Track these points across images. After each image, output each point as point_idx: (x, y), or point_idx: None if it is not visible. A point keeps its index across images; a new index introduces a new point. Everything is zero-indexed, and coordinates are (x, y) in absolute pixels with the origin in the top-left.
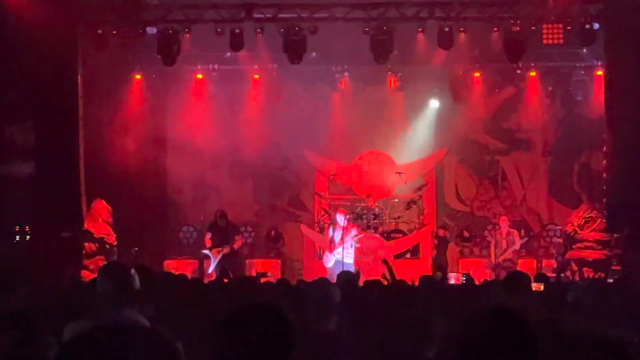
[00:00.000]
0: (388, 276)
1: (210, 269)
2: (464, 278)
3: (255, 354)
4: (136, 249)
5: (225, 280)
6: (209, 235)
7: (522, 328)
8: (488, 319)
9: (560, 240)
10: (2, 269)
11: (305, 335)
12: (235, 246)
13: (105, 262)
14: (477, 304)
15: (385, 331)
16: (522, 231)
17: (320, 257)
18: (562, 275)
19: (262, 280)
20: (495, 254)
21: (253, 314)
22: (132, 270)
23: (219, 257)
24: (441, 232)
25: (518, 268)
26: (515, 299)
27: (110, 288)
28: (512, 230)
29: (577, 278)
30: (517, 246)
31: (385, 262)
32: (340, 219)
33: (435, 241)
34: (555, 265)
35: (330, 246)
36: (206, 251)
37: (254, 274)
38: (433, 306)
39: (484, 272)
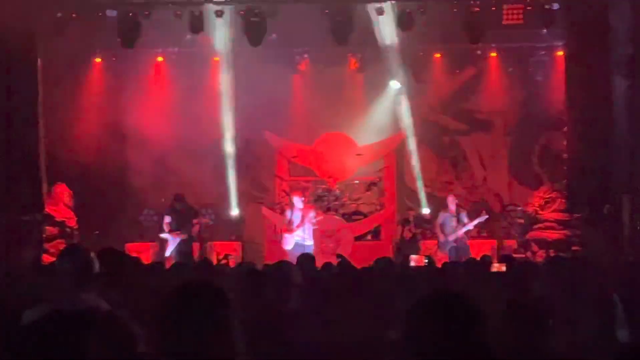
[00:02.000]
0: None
1: (168, 252)
2: (426, 260)
3: (192, 330)
4: (97, 232)
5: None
6: (167, 219)
7: (466, 312)
8: (432, 304)
9: (522, 220)
10: None
11: (267, 315)
12: (193, 232)
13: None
14: (436, 286)
15: (347, 312)
16: (483, 211)
17: (279, 239)
18: (523, 255)
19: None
20: (445, 233)
21: (187, 293)
22: (92, 254)
23: (177, 240)
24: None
25: (473, 248)
26: (474, 282)
27: (69, 271)
28: (461, 209)
29: (537, 259)
30: (470, 226)
31: (340, 256)
32: (297, 201)
33: (404, 225)
34: (516, 246)
35: (289, 228)
36: (164, 235)
37: (214, 257)
38: (392, 288)
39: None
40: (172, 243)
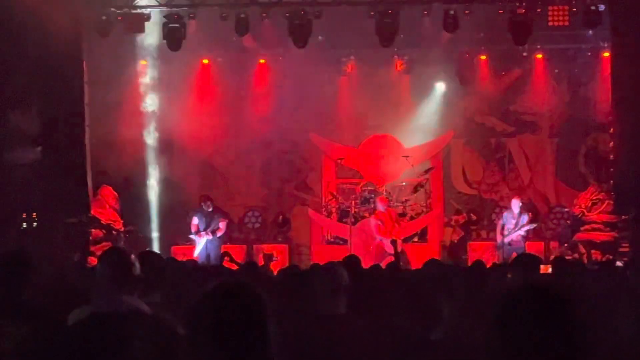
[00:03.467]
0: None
1: (196, 253)
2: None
3: (224, 332)
4: (131, 227)
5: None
6: (194, 220)
7: (564, 305)
8: (526, 296)
9: (569, 222)
10: (12, 257)
11: (314, 318)
12: (218, 232)
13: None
14: (486, 286)
15: (393, 314)
16: (530, 214)
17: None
18: (570, 257)
19: (271, 264)
20: (504, 234)
21: (221, 294)
22: (132, 256)
23: (204, 241)
24: (460, 218)
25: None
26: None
27: (109, 274)
28: (524, 212)
29: (584, 260)
30: (521, 231)
31: (393, 242)
32: (381, 207)
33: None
34: (562, 248)
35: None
36: (192, 236)
37: (260, 259)
38: (439, 289)
39: (492, 255)
40: (199, 244)
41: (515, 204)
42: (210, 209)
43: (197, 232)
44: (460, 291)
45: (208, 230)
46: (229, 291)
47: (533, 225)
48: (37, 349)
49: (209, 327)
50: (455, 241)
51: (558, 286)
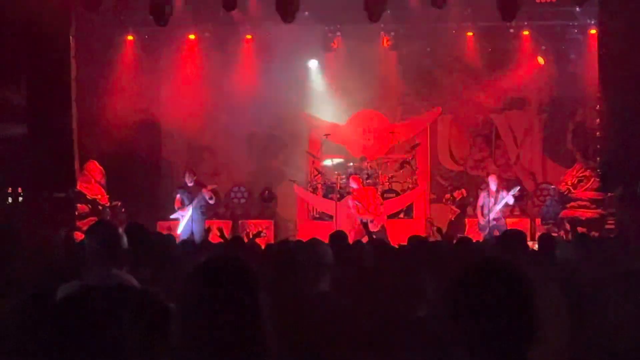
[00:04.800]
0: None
1: (179, 230)
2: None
3: (215, 309)
4: (117, 202)
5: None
6: (178, 196)
7: (518, 281)
8: (479, 271)
9: (555, 198)
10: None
11: (297, 295)
12: (210, 200)
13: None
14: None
15: (378, 291)
16: (519, 189)
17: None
18: (555, 234)
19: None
20: (484, 214)
21: (213, 268)
22: (120, 229)
23: (188, 217)
24: (457, 195)
25: (510, 227)
26: (510, 257)
27: (97, 247)
28: (502, 188)
29: (570, 237)
30: (509, 200)
31: (364, 224)
32: (354, 185)
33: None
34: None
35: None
36: (175, 215)
37: (245, 235)
38: (423, 266)
39: (477, 234)
40: (182, 220)
41: (492, 181)
42: (191, 183)
43: (181, 207)
44: (444, 268)
45: (192, 204)
46: (221, 265)
47: (517, 189)
48: (25, 323)
49: (202, 300)
50: (452, 219)
51: (508, 262)
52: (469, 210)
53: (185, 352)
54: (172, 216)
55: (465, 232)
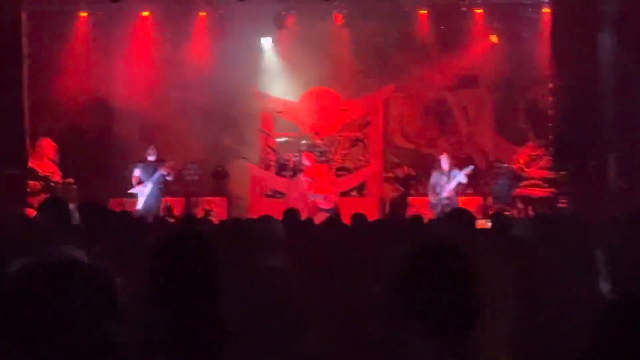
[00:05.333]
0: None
1: (138, 206)
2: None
3: (179, 281)
4: (71, 180)
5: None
6: (135, 172)
7: (460, 262)
8: (425, 250)
9: (507, 177)
10: None
11: (252, 271)
12: (168, 177)
13: None
14: (420, 240)
15: (330, 268)
16: (470, 167)
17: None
18: (508, 213)
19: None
20: (436, 193)
21: (177, 243)
22: (71, 206)
23: (145, 193)
24: (400, 173)
25: (463, 205)
26: (458, 236)
27: (48, 224)
28: (453, 167)
29: (522, 216)
30: (461, 178)
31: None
32: (307, 162)
33: (396, 182)
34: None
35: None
36: (133, 190)
37: (200, 211)
38: (373, 243)
39: (429, 212)
40: (140, 196)
41: (444, 160)
42: (153, 158)
43: (139, 183)
44: (393, 246)
45: (150, 180)
46: (181, 240)
47: (470, 168)
48: None
49: (163, 277)
50: (396, 197)
51: (453, 242)
52: (418, 188)
53: (147, 330)
54: (130, 191)
55: (409, 210)
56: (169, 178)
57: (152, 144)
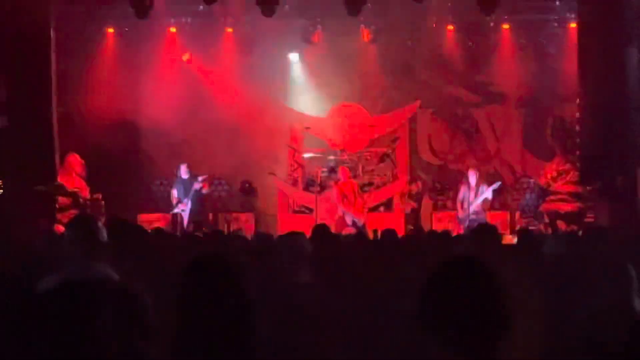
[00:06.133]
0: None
1: (186, 224)
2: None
3: (208, 304)
4: (99, 196)
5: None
6: (174, 193)
7: (487, 277)
8: (450, 267)
9: (534, 192)
10: None
11: (279, 287)
12: (203, 190)
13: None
14: (442, 256)
15: (358, 283)
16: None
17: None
18: (534, 228)
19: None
20: (464, 207)
21: (203, 266)
22: (100, 223)
23: (188, 211)
24: (414, 189)
25: (489, 221)
26: (483, 252)
27: (77, 241)
28: (481, 182)
29: (549, 230)
30: (488, 194)
31: (354, 224)
32: (342, 177)
33: (409, 198)
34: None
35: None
36: (175, 210)
37: (225, 227)
38: (401, 258)
39: (457, 227)
40: (185, 215)
41: (472, 176)
42: (186, 176)
43: (177, 204)
44: (422, 262)
45: (188, 197)
46: (209, 263)
47: (498, 184)
48: (5, 317)
49: (192, 299)
50: (408, 212)
51: (479, 258)
52: (446, 203)
53: (177, 349)
54: (173, 211)
55: (436, 225)
56: (204, 192)
57: (184, 163)
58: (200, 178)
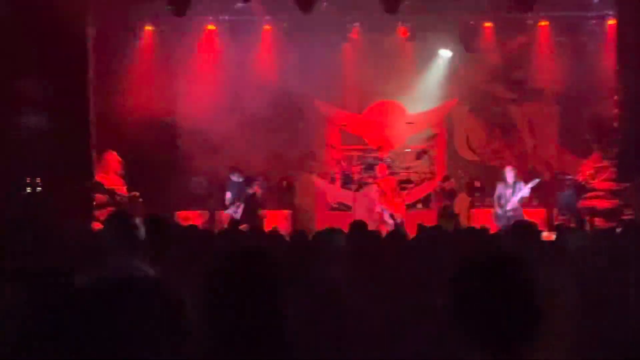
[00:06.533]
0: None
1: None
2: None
3: (240, 298)
4: (136, 194)
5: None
6: (227, 195)
7: (522, 273)
8: (482, 263)
9: (572, 189)
10: (17, 222)
11: (314, 282)
12: (252, 200)
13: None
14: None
15: (395, 279)
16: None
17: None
18: (573, 225)
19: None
20: (501, 205)
21: (236, 260)
22: (137, 219)
23: (240, 212)
24: (447, 186)
25: (528, 217)
26: (522, 248)
27: (114, 238)
28: (518, 180)
29: (588, 227)
30: (525, 192)
31: (391, 216)
32: (379, 174)
33: (442, 195)
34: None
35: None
36: (227, 211)
37: (266, 225)
38: (438, 255)
39: (494, 225)
40: (237, 217)
41: (509, 173)
42: (240, 179)
43: (230, 205)
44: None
45: (240, 200)
46: (245, 257)
47: (536, 181)
48: (43, 313)
49: (227, 293)
50: (440, 208)
51: (510, 252)
52: (484, 199)
53: (210, 346)
54: (225, 212)
55: (474, 222)
56: (257, 195)
57: (234, 169)
58: (255, 183)
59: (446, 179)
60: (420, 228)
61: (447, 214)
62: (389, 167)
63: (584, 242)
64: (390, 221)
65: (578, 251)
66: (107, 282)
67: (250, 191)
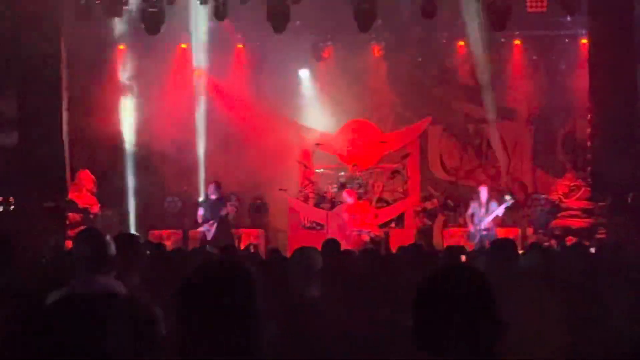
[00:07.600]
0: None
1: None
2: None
3: (213, 310)
4: (108, 211)
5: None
6: (200, 212)
7: (479, 286)
8: (439, 278)
9: (546, 208)
10: None
11: (289, 301)
12: (223, 219)
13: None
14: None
15: (369, 299)
16: (507, 197)
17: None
18: (546, 244)
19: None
20: (474, 223)
21: (209, 272)
22: (107, 237)
23: (213, 231)
24: (429, 205)
25: (501, 236)
26: (501, 266)
27: (84, 254)
28: (492, 199)
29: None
30: (500, 211)
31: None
32: (348, 199)
33: (423, 215)
34: (539, 235)
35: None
36: (201, 228)
37: (241, 244)
38: (414, 274)
39: (467, 243)
40: (209, 235)
41: (483, 192)
42: (214, 196)
43: (203, 223)
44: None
45: (215, 219)
46: (219, 268)
47: (510, 201)
48: (14, 330)
49: (199, 305)
50: (422, 228)
51: (469, 268)
52: (456, 219)
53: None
54: (199, 229)
55: (447, 242)
56: (230, 217)
57: (214, 183)
58: (229, 204)
59: (428, 198)
60: (400, 248)
61: (426, 232)
62: (360, 187)
63: (558, 260)
64: (367, 238)
65: (552, 269)
66: (77, 300)
67: (223, 212)
